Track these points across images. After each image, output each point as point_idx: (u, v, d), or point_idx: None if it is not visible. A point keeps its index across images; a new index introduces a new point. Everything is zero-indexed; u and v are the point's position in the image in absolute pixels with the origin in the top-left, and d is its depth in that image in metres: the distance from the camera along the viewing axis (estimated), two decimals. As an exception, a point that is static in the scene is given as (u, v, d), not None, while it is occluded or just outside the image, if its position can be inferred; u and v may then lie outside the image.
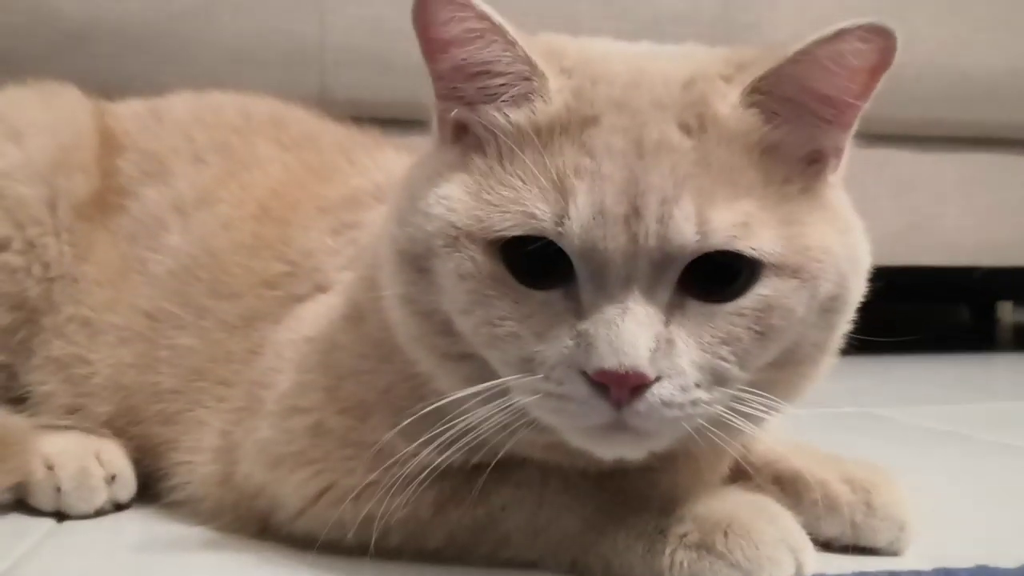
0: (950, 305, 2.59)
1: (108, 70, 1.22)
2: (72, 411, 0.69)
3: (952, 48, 1.55)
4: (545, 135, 0.46)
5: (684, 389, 0.44)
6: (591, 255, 0.44)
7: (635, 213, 0.44)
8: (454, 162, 0.48)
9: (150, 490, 0.66)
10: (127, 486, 0.66)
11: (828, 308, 0.47)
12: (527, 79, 0.47)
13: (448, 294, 0.46)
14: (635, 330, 0.43)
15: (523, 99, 0.47)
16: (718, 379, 0.45)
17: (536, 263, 0.45)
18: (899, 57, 1.64)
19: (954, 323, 2.52)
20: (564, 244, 0.44)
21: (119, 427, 0.68)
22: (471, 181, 0.47)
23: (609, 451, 0.47)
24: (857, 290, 0.49)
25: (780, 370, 0.47)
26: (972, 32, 1.57)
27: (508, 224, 0.45)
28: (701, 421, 0.45)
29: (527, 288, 0.45)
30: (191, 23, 1.25)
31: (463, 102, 0.48)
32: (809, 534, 0.52)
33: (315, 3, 1.28)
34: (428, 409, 0.48)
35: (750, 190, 0.45)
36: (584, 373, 0.44)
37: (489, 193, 0.46)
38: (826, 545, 0.55)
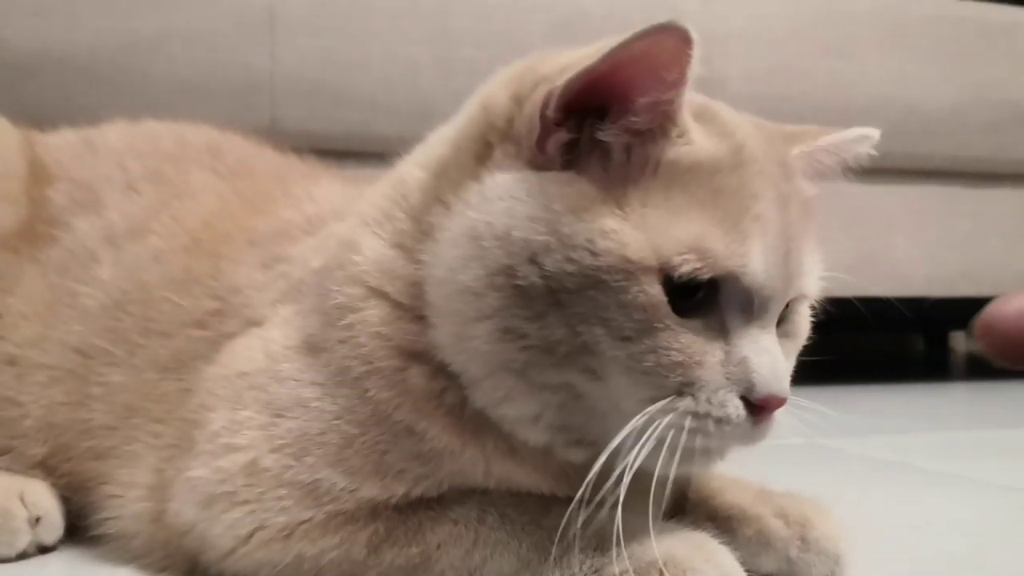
0: (906, 335, 2.62)
1: (56, 102, 1.21)
2: (2, 453, 0.67)
3: (899, 83, 1.59)
4: (704, 174, 0.48)
5: (785, 405, 0.49)
6: (760, 293, 0.49)
7: (786, 259, 0.50)
8: (595, 195, 0.48)
9: (79, 530, 0.64)
10: (53, 528, 0.64)
11: None
12: (674, 123, 0.49)
13: (605, 324, 0.47)
14: (781, 362, 0.49)
15: (669, 138, 0.49)
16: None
17: (684, 292, 0.47)
18: (848, 92, 1.68)
19: (910, 353, 2.54)
20: (744, 283, 0.49)
21: (51, 465, 0.66)
22: (634, 216, 0.47)
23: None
24: None
25: None
26: (919, 67, 1.61)
27: (691, 269, 0.47)
28: None
29: (681, 317, 0.47)
30: (141, 55, 1.25)
31: (630, 133, 0.48)
32: (746, 569, 0.51)
33: (266, 35, 1.28)
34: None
35: (814, 234, 0.53)
36: (743, 397, 0.48)
37: (658, 227, 0.47)
38: (763, 580, 0.54)
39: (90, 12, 1.24)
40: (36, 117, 0.82)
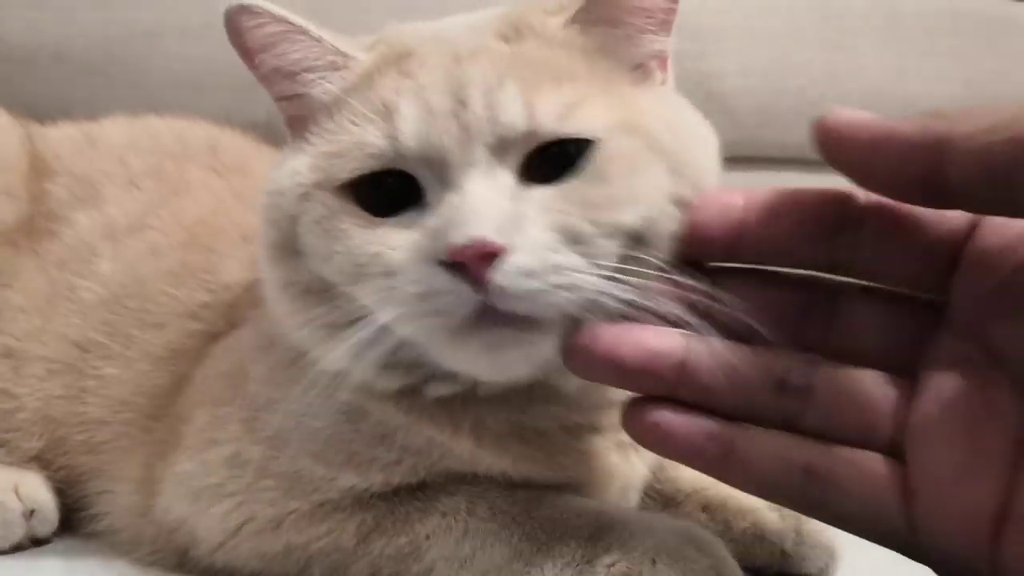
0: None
1: (52, 95, 1.21)
2: None
3: (897, 77, 1.59)
4: (364, 81, 0.48)
5: (540, 256, 0.42)
6: (428, 155, 0.44)
7: (462, 105, 0.44)
8: (294, 147, 0.50)
9: (75, 523, 0.64)
10: (47, 521, 0.64)
11: (681, 200, 0.45)
12: (339, 67, 0.49)
13: (314, 249, 0.46)
14: (478, 206, 0.43)
15: (339, 76, 0.49)
16: (574, 237, 0.43)
17: (390, 197, 0.45)
18: (845, 86, 1.67)
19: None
20: (402, 158, 0.45)
21: (47, 459, 0.66)
22: (311, 148, 0.48)
23: (494, 361, 0.44)
24: (707, 179, 0.47)
25: (647, 248, 0.44)
26: (916, 61, 1.61)
27: (351, 166, 0.45)
28: (580, 296, 0.42)
29: (382, 218, 0.45)
30: (136, 48, 1.24)
31: (290, 99, 0.50)
32: (739, 562, 0.51)
33: (262, 28, 1.28)
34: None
35: (574, 79, 0.46)
36: (441, 263, 0.42)
37: (327, 146, 0.47)
38: (756, 573, 0.54)
39: (86, 5, 1.24)
40: (32, 110, 0.82)
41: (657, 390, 0.41)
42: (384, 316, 0.43)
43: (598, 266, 0.42)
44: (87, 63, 1.23)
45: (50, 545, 0.64)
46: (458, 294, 0.42)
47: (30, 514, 0.63)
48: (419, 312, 0.43)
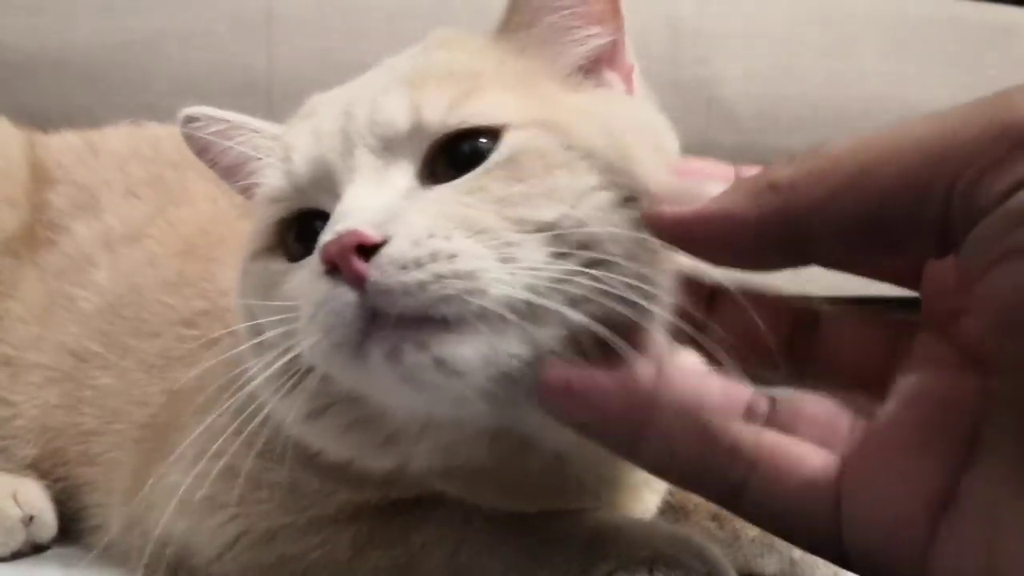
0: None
1: (52, 101, 1.21)
2: None
3: (898, 83, 1.59)
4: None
5: (420, 242, 0.37)
6: (318, 176, 0.42)
7: (348, 119, 0.43)
8: None
9: (74, 531, 0.64)
10: (46, 527, 0.64)
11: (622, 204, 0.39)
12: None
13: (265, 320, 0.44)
14: (350, 204, 0.39)
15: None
16: (477, 229, 0.38)
17: (311, 240, 0.42)
18: (846, 92, 1.66)
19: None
20: (301, 192, 0.43)
21: (45, 469, 0.66)
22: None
23: (403, 375, 0.37)
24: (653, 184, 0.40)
25: (573, 247, 0.38)
26: (918, 67, 1.61)
27: (266, 220, 0.45)
28: (476, 286, 0.36)
29: (300, 261, 0.43)
30: (137, 54, 1.24)
31: (247, 191, 0.50)
32: (748, 572, 0.51)
33: (263, 35, 1.27)
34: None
35: (476, 78, 0.43)
36: (323, 274, 0.38)
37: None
38: (764, 582, 0.54)
39: (86, 12, 1.24)
40: (33, 116, 0.82)
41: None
42: (307, 360, 0.40)
43: (515, 262, 0.37)
44: (88, 70, 1.23)
45: (49, 552, 0.64)
46: (339, 299, 0.37)
47: (29, 520, 0.63)
48: (319, 338, 0.38)
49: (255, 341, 0.45)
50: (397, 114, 0.42)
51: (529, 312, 0.37)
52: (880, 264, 0.33)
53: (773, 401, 0.37)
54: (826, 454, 0.34)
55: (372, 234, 0.37)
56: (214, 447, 0.53)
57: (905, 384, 0.34)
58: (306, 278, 0.40)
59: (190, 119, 0.51)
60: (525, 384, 0.37)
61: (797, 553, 0.54)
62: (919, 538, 0.31)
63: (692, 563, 0.46)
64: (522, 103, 0.42)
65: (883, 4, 1.63)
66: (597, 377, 0.36)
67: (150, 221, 0.70)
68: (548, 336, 0.37)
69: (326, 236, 0.38)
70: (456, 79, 0.43)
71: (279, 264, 0.44)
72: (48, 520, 0.64)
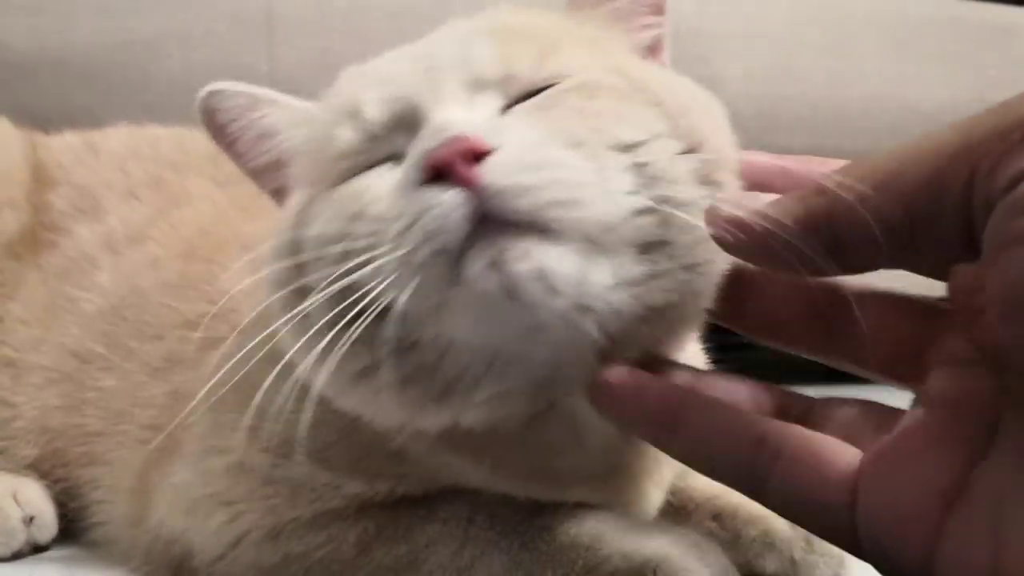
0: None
1: (53, 102, 1.21)
2: None
3: (898, 83, 1.59)
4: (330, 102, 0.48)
5: (532, 150, 0.37)
6: (398, 114, 0.42)
7: (430, 59, 0.43)
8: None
9: (74, 531, 0.64)
10: (47, 527, 0.64)
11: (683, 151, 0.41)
12: (305, 121, 0.50)
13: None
14: (447, 118, 0.39)
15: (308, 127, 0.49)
16: (569, 138, 0.39)
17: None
18: (846, 91, 1.66)
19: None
20: (376, 138, 0.43)
21: (44, 470, 0.66)
22: (299, 185, 0.48)
23: (507, 284, 0.36)
24: (717, 143, 0.42)
25: (647, 183, 0.39)
26: (918, 67, 1.61)
27: (336, 171, 0.44)
28: (588, 195, 0.37)
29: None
30: (138, 55, 1.24)
31: (269, 170, 0.51)
32: (748, 571, 0.51)
33: (264, 35, 1.27)
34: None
35: (552, 38, 0.44)
36: (423, 184, 0.37)
37: (311, 169, 0.47)
38: (766, 583, 0.54)
39: (87, 12, 1.24)
40: (33, 117, 0.82)
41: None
42: (378, 289, 0.38)
43: (609, 183, 0.38)
44: (88, 70, 1.23)
45: (49, 552, 0.64)
46: (447, 204, 0.36)
47: (30, 520, 0.63)
48: (411, 253, 0.37)
49: (302, 307, 0.42)
50: (488, 60, 0.42)
51: (612, 242, 0.38)
52: (916, 266, 0.34)
53: (805, 405, 0.40)
54: (848, 448, 0.35)
55: (485, 141, 0.37)
56: (222, 444, 0.53)
57: (929, 384, 0.35)
58: (388, 200, 0.39)
59: (214, 93, 0.51)
60: (597, 316, 0.38)
61: (798, 553, 0.54)
62: (929, 531, 0.32)
63: (695, 564, 0.46)
64: (598, 59, 0.44)
65: (883, 4, 1.63)
66: (643, 380, 0.39)
67: (151, 223, 0.70)
68: (626, 272, 0.38)
69: (424, 144, 0.37)
70: (536, 38, 0.44)
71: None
72: (48, 520, 0.64)
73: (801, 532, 0.54)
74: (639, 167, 0.39)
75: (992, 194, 0.29)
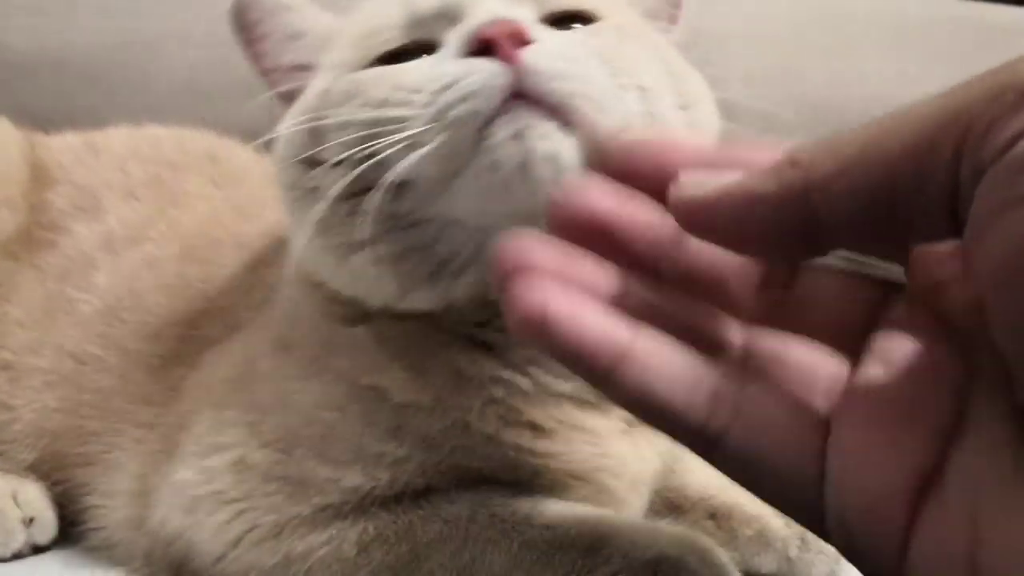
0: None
1: (53, 102, 1.20)
2: None
3: (899, 83, 1.58)
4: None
5: (567, 48, 0.43)
6: (445, 6, 0.46)
7: None
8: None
9: (74, 532, 0.64)
10: (46, 529, 0.64)
11: (683, 99, 0.48)
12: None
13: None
14: (492, 9, 0.44)
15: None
16: (599, 56, 0.44)
17: None
18: (848, 92, 1.66)
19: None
20: (420, 22, 0.47)
21: (43, 472, 0.66)
22: (326, 66, 0.51)
23: (522, 155, 0.41)
24: (703, 113, 0.50)
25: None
26: (919, 68, 1.61)
27: (374, 44, 0.48)
28: (609, 94, 0.43)
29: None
30: (137, 54, 1.24)
31: (287, 70, 0.55)
32: (745, 570, 0.51)
33: (265, 36, 1.28)
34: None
35: None
36: (468, 54, 0.42)
37: (345, 49, 0.51)
38: (762, 581, 0.54)
39: (87, 12, 1.24)
40: (34, 117, 0.82)
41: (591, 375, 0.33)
42: (400, 154, 0.42)
43: (625, 108, 0.43)
44: (88, 70, 1.23)
45: (49, 553, 0.64)
46: (487, 72, 0.40)
47: (29, 521, 0.63)
48: (443, 110, 0.41)
49: (313, 175, 0.47)
50: None
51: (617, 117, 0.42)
52: (895, 247, 0.31)
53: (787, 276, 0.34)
54: (812, 412, 0.32)
55: (530, 31, 0.41)
56: (223, 441, 0.53)
57: (889, 349, 0.32)
58: (425, 71, 0.43)
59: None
60: None
61: (793, 551, 0.54)
62: (901, 514, 0.30)
63: (697, 565, 0.46)
64: (613, 6, 0.49)
65: (884, 4, 1.63)
66: (580, 307, 0.32)
67: (150, 223, 0.70)
68: None
69: (472, 23, 0.42)
70: None
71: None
72: (48, 521, 0.64)
73: (797, 530, 0.55)
74: (648, 109, 0.44)
75: (983, 160, 0.27)
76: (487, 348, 0.50)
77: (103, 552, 0.59)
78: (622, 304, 0.33)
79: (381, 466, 0.50)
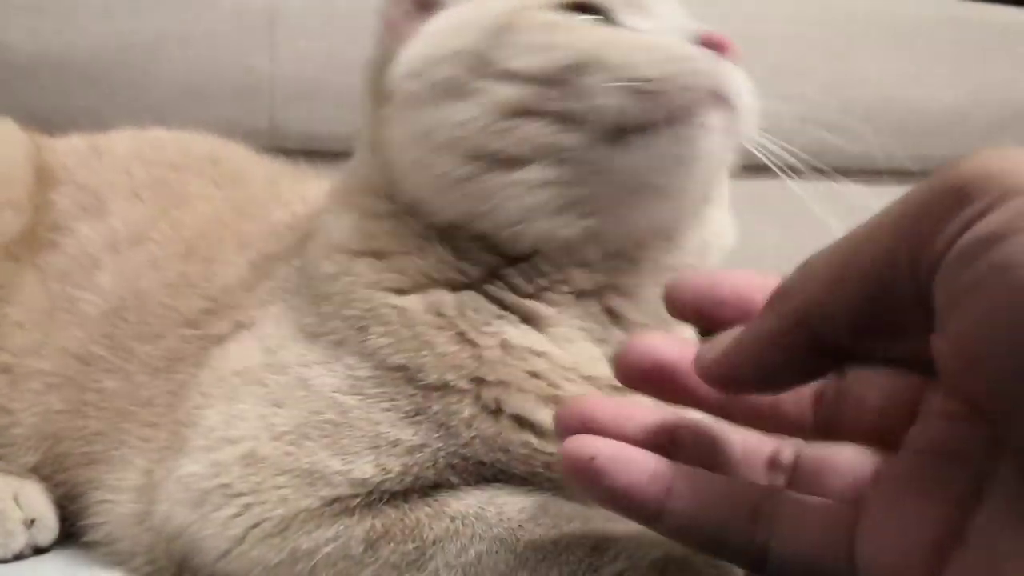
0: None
1: (54, 103, 1.21)
2: None
3: (900, 84, 1.59)
4: None
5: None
6: None
7: None
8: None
9: (75, 534, 0.64)
10: (48, 529, 0.64)
11: None
12: None
13: (536, 47, 0.51)
14: (683, 22, 0.54)
15: None
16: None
17: None
18: (848, 93, 1.67)
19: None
20: None
21: (45, 475, 0.66)
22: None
23: (706, 139, 0.49)
24: None
25: None
26: (920, 68, 1.61)
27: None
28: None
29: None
30: (139, 56, 1.24)
31: None
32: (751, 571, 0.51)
33: (266, 36, 1.27)
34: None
35: None
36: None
37: None
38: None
39: (88, 13, 1.24)
40: (35, 118, 0.82)
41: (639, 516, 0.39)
42: (634, 74, 0.47)
43: None
44: (90, 72, 1.23)
45: (50, 554, 0.64)
46: (713, 63, 0.49)
47: (31, 523, 0.63)
48: (682, 75, 0.48)
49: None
50: None
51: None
52: (895, 351, 0.34)
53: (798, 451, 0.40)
54: (843, 505, 0.36)
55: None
56: (233, 434, 0.53)
57: (916, 436, 0.35)
58: (674, 41, 0.51)
59: None
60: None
61: None
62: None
63: (702, 565, 0.46)
64: None
65: (884, 4, 1.62)
66: (623, 448, 0.38)
67: (152, 224, 0.70)
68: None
69: (695, 25, 0.52)
70: None
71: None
72: (50, 522, 0.64)
73: None
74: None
75: (933, 262, 0.29)
76: (535, 323, 0.52)
77: (105, 548, 0.59)
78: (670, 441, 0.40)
79: (393, 455, 0.50)
